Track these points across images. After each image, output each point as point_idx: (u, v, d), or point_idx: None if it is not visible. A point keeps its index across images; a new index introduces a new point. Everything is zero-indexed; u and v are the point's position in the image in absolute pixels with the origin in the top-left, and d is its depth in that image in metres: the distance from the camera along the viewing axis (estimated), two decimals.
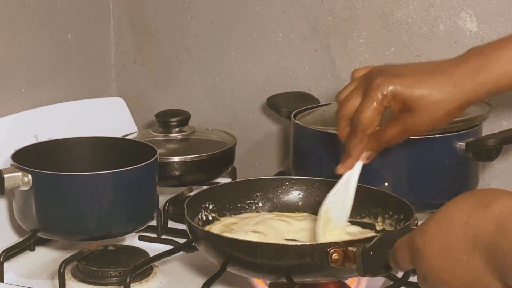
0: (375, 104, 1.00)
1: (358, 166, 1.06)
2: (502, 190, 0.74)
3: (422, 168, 1.23)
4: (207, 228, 1.12)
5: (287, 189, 1.20)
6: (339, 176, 1.18)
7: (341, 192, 1.06)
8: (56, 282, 1.08)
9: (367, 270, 0.92)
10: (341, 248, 0.94)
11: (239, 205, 1.19)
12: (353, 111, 1.03)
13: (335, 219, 1.06)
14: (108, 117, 1.47)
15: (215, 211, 1.16)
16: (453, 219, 0.74)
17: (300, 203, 1.20)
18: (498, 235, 0.70)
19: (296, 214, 1.17)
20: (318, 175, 1.21)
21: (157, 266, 1.15)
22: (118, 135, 1.38)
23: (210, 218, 1.15)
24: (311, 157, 1.28)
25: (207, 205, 1.16)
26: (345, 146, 1.05)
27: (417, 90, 0.99)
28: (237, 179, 1.43)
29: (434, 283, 0.76)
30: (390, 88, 0.99)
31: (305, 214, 1.18)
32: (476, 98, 1.00)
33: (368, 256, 0.91)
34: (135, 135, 1.43)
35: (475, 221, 0.72)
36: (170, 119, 1.40)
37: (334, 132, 1.22)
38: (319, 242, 1.01)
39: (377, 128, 1.03)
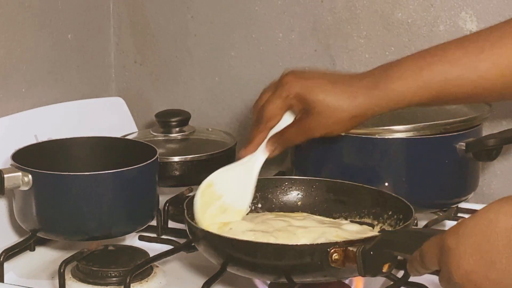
0: (279, 101, 1.09)
1: (261, 157, 1.12)
2: None
3: (422, 168, 1.23)
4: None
5: (286, 189, 1.20)
6: (338, 177, 1.19)
7: (235, 174, 1.12)
8: (56, 282, 1.08)
9: (368, 270, 0.92)
10: (342, 248, 0.94)
11: None
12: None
13: (230, 202, 1.11)
14: (108, 117, 1.47)
15: None
16: (495, 221, 0.73)
17: (299, 203, 1.20)
18: None
19: (295, 214, 1.17)
20: (318, 175, 1.21)
21: (157, 266, 1.15)
22: (118, 135, 1.38)
23: None
24: (311, 157, 1.28)
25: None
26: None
27: (316, 94, 1.07)
28: None
29: (460, 284, 0.74)
30: (294, 88, 1.08)
31: (305, 214, 1.18)
32: (369, 112, 1.06)
33: (369, 256, 0.91)
34: (135, 135, 1.43)
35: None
36: (170, 119, 1.40)
37: None
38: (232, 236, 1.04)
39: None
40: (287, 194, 1.20)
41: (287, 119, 1.11)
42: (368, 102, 1.06)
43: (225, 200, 1.12)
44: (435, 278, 1.12)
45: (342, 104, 1.06)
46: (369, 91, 1.05)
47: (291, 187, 1.20)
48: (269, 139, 1.11)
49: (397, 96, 1.04)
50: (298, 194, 1.20)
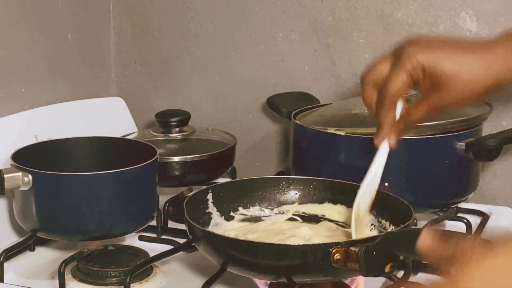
0: (403, 74, 0.98)
1: (384, 152, 1.04)
2: None
3: (422, 168, 1.23)
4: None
5: (283, 189, 1.20)
6: (338, 177, 1.19)
7: (370, 181, 1.05)
8: (56, 282, 1.08)
9: (369, 270, 0.92)
10: (343, 248, 0.94)
11: (236, 205, 1.19)
12: (381, 78, 1.01)
13: (362, 209, 1.06)
14: (108, 117, 1.47)
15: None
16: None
17: (297, 203, 1.20)
18: None
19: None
20: (318, 175, 1.21)
21: (157, 266, 1.15)
22: (118, 135, 1.38)
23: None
24: (311, 157, 1.28)
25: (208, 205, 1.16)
26: (374, 118, 1.04)
27: (448, 66, 0.97)
28: (237, 179, 1.43)
29: None
30: (421, 59, 0.97)
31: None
32: (504, 81, 0.98)
33: (370, 256, 0.91)
34: (135, 135, 1.43)
35: None
36: (170, 119, 1.40)
37: (334, 132, 1.23)
38: (354, 239, 1.01)
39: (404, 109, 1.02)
40: (285, 194, 1.20)
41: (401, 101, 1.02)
42: (503, 70, 0.97)
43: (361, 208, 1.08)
44: (435, 278, 1.12)
45: (476, 74, 0.97)
46: (505, 58, 0.97)
47: (289, 187, 1.20)
48: (395, 132, 1.02)
49: None
50: (296, 193, 1.20)
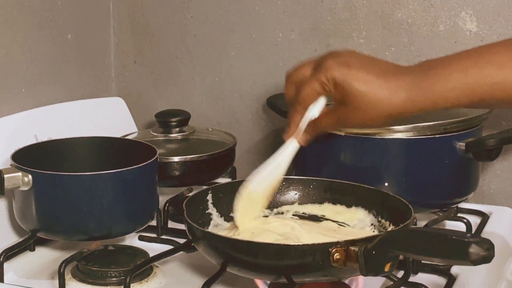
0: (317, 84, 1.04)
1: (290, 147, 1.09)
2: None
3: (422, 168, 1.23)
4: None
5: (283, 189, 1.20)
6: (338, 177, 1.19)
7: (269, 173, 1.10)
8: (56, 282, 1.08)
9: (369, 270, 0.92)
10: (343, 248, 0.94)
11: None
12: (301, 79, 1.08)
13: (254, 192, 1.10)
14: (108, 117, 1.47)
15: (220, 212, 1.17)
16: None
17: (297, 203, 1.20)
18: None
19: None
20: (318, 175, 1.21)
21: (157, 266, 1.15)
22: (118, 135, 1.38)
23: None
24: (311, 157, 1.28)
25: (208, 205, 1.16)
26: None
27: (356, 85, 1.01)
28: (237, 179, 1.43)
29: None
30: (335, 75, 1.03)
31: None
32: (408, 111, 1.01)
33: (371, 256, 0.91)
34: (135, 135, 1.43)
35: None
36: (170, 119, 1.40)
37: (334, 132, 1.23)
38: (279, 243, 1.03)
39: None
40: (285, 194, 1.20)
41: (322, 102, 1.07)
42: (409, 101, 1.00)
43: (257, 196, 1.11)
44: (435, 278, 1.12)
45: (382, 100, 1.01)
46: (411, 89, 1.00)
47: (288, 187, 1.20)
48: (303, 131, 1.09)
49: (439, 98, 0.99)
50: (296, 193, 1.20)
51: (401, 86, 1.01)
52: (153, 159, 1.19)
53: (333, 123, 1.07)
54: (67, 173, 1.15)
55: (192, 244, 1.09)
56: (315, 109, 1.07)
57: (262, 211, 1.15)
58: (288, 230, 1.09)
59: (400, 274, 1.08)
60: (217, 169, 1.37)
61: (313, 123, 1.08)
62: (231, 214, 1.18)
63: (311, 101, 1.06)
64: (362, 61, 1.05)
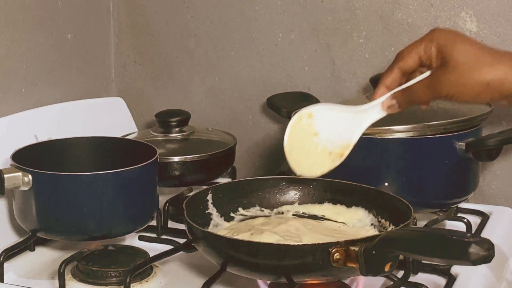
0: (419, 43, 1.02)
1: (376, 112, 1.04)
2: None
3: (422, 168, 1.23)
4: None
5: (283, 189, 1.20)
6: (338, 177, 1.19)
7: (341, 119, 1.05)
8: (56, 282, 1.08)
9: (369, 270, 0.92)
10: (343, 248, 0.94)
11: (236, 205, 1.19)
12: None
13: (325, 143, 1.04)
14: (108, 117, 1.47)
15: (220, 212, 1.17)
16: None
17: (297, 203, 1.20)
18: None
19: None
20: None
21: (157, 266, 1.15)
22: (118, 135, 1.38)
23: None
24: None
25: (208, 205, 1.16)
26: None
27: (458, 46, 0.99)
28: (237, 179, 1.43)
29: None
30: (439, 36, 1.01)
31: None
32: (505, 87, 0.99)
33: (371, 256, 0.91)
34: (135, 135, 1.43)
35: None
36: (170, 119, 1.40)
37: None
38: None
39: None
40: (285, 194, 1.20)
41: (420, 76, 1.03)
42: (509, 75, 0.98)
43: (320, 140, 1.05)
44: (435, 278, 1.12)
45: (482, 63, 0.98)
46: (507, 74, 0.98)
47: (288, 187, 1.20)
48: (391, 95, 1.04)
49: None
50: (296, 193, 1.20)
51: (506, 59, 0.99)
52: (153, 159, 1.19)
53: (426, 89, 1.02)
54: (67, 173, 1.15)
55: (192, 244, 1.09)
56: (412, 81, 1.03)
57: (331, 159, 1.06)
58: (293, 230, 1.10)
59: (400, 274, 1.08)
60: (217, 169, 1.37)
61: (402, 91, 1.03)
62: (231, 214, 1.18)
63: (408, 60, 1.03)
64: (467, 36, 1.04)
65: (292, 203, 1.20)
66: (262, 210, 1.19)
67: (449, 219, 1.27)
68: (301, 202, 1.20)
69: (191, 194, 1.24)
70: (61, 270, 1.06)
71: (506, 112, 1.39)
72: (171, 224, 1.29)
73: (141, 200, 1.18)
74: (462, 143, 1.22)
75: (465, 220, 1.25)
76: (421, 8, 1.41)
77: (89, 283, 1.10)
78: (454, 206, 1.29)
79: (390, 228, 1.11)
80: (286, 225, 1.12)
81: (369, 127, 1.15)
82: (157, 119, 1.41)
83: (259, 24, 1.52)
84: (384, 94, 1.04)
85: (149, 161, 1.17)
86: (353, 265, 0.93)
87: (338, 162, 1.06)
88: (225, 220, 1.17)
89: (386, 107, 1.04)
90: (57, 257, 1.18)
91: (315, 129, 1.04)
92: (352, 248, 0.93)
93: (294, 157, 1.04)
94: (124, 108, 1.52)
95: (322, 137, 1.04)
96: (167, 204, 1.29)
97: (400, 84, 1.04)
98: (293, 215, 1.19)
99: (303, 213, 1.19)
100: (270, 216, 1.19)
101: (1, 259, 1.12)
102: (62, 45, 1.46)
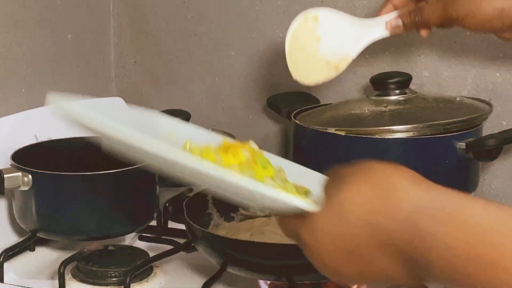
0: None
1: (381, 29, 1.03)
2: (392, 171, 0.69)
3: (422, 168, 1.21)
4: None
5: None
6: None
7: (347, 27, 1.03)
8: (56, 282, 1.08)
9: None
10: None
11: (236, 205, 1.19)
12: None
13: (325, 51, 1.02)
14: None
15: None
16: (349, 216, 0.66)
17: None
18: (413, 236, 0.62)
19: None
20: None
21: (157, 266, 1.15)
22: None
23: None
24: (311, 157, 1.28)
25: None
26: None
27: None
28: None
29: (328, 275, 0.70)
30: None
31: None
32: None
33: None
34: None
35: (381, 219, 0.64)
36: None
37: (334, 132, 1.23)
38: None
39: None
40: None
41: None
42: None
43: (321, 47, 1.03)
44: None
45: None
46: None
47: None
48: (398, 15, 1.03)
49: None
50: None
51: None
52: None
53: (437, 7, 1.00)
54: (67, 173, 1.15)
55: (192, 244, 1.09)
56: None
57: (327, 71, 1.05)
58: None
59: None
60: None
61: (414, 10, 1.02)
62: (231, 214, 1.18)
63: None
64: None
65: None
66: (263, 210, 1.19)
67: None
68: None
69: (191, 194, 1.24)
70: (61, 270, 1.07)
71: (506, 112, 1.39)
72: (171, 224, 1.29)
73: (141, 200, 1.18)
74: (462, 143, 1.22)
75: None
76: None
77: (89, 283, 1.10)
78: None
79: None
80: None
81: (368, 127, 1.14)
82: None
83: (259, 24, 1.52)
84: (390, 12, 1.03)
85: None
86: None
87: (333, 74, 1.04)
88: (225, 220, 1.17)
89: (390, 26, 1.03)
90: (57, 257, 1.18)
91: (318, 34, 1.02)
92: None
93: (293, 59, 1.03)
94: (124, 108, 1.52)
95: (323, 43, 1.03)
96: (167, 204, 1.29)
97: (406, 6, 1.02)
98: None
99: None
100: (270, 216, 1.19)
101: (1, 259, 1.12)
102: (62, 45, 1.46)
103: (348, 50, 1.03)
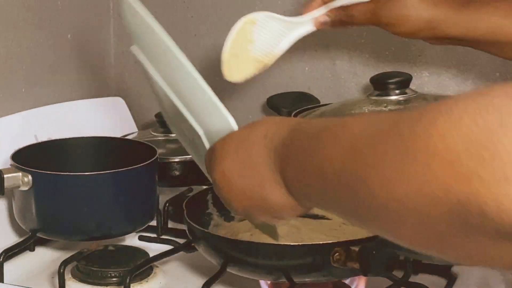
0: None
1: (307, 25, 1.06)
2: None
3: None
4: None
5: None
6: None
7: (276, 26, 1.07)
8: (56, 282, 1.08)
9: (369, 270, 0.92)
10: (343, 248, 0.94)
11: None
12: None
13: (255, 51, 1.06)
14: (108, 117, 1.47)
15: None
16: (257, 128, 0.77)
17: None
18: (288, 138, 0.70)
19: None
20: None
21: (157, 266, 1.15)
22: (118, 135, 1.38)
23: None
24: None
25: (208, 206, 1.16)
26: None
27: None
28: None
29: (217, 181, 0.78)
30: None
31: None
32: (443, 26, 0.99)
33: (370, 256, 0.91)
34: (135, 135, 1.43)
35: (272, 131, 0.73)
36: None
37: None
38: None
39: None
40: None
41: None
42: (451, 17, 0.99)
43: (253, 48, 1.07)
44: (435, 278, 1.12)
45: (421, 7, 0.99)
46: (457, 10, 0.99)
47: None
48: (327, 11, 1.04)
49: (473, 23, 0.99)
50: None
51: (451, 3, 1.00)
52: (153, 159, 1.18)
53: (366, 11, 1.02)
54: (67, 173, 1.15)
55: (192, 244, 1.09)
56: None
57: (256, 67, 1.09)
58: (293, 230, 1.10)
59: (400, 274, 1.07)
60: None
61: (340, 9, 1.03)
62: (231, 214, 1.18)
63: None
64: None
65: None
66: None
67: None
68: None
69: (191, 194, 1.24)
70: (61, 270, 1.06)
71: None
72: (171, 224, 1.29)
73: (141, 200, 1.18)
74: None
75: None
76: None
77: (89, 283, 1.10)
78: None
79: None
80: (287, 225, 1.12)
81: None
82: (157, 119, 1.41)
83: None
84: (319, 7, 1.04)
85: (149, 161, 1.17)
86: (354, 265, 0.93)
87: (261, 69, 1.09)
88: (225, 220, 1.17)
89: (319, 23, 1.05)
90: (57, 257, 1.18)
91: (252, 37, 1.06)
92: (352, 248, 0.93)
93: (226, 60, 1.08)
94: (124, 108, 1.52)
95: (255, 44, 1.06)
96: (167, 204, 1.29)
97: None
98: None
99: None
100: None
101: (1, 259, 1.12)
102: (62, 45, 1.46)
103: (275, 47, 1.07)
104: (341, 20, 1.04)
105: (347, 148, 0.60)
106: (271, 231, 0.86)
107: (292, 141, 0.69)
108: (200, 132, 0.89)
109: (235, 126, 0.86)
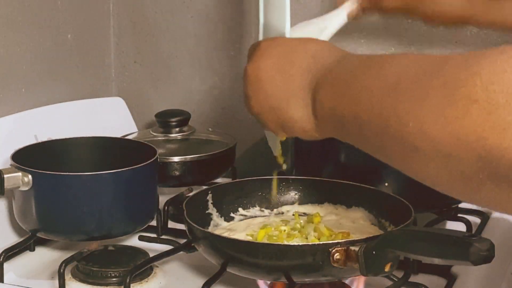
0: None
1: (341, 17, 1.07)
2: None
3: None
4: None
5: (283, 189, 1.20)
6: (338, 177, 1.19)
7: (311, 27, 1.07)
8: (56, 282, 1.08)
9: (369, 270, 0.92)
10: (343, 248, 0.94)
11: (236, 205, 1.19)
12: None
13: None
14: (108, 117, 1.47)
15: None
16: (305, 45, 0.78)
17: (297, 203, 1.20)
18: (334, 63, 0.72)
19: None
20: (318, 175, 1.21)
21: (157, 266, 1.15)
22: (118, 135, 1.38)
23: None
24: (311, 157, 1.28)
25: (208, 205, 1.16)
26: None
27: None
28: (237, 179, 1.43)
29: (250, 81, 0.82)
30: None
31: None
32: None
33: (371, 256, 0.91)
34: (135, 135, 1.43)
35: (322, 55, 0.75)
36: (170, 119, 1.40)
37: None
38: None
39: None
40: (285, 194, 1.20)
41: None
42: (484, 6, 1.00)
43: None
44: (435, 278, 1.12)
45: None
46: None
47: (288, 187, 1.20)
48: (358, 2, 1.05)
49: None
50: (296, 194, 1.20)
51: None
52: (153, 159, 1.19)
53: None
54: (67, 173, 1.15)
55: (192, 244, 1.09)
56: None
57: None
58: (295, 232, 1.10)
59: (400, 274, 1.08)
60: (217, 169, 1.37)
61: None
62: (231, 214, 1.18)
63: None
64: None
65: (292, 203, 1.20)
66: (262, 210, 1.20)
67: (449, 219, 1.27)
68: (301, 202, 1.20)
69: (191, 194, 1.24)
70: (61, 270, 1.06)
71: None
72: (171, 224, 1.29)
73: (141, 200, 1.18)
74: None
75: (465, 220, 1.25)
76: None
77: (89, 283, 1.10)
78: (454, 206, 1.28)
79: (390, 228, 1.11)
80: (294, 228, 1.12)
81: None
82: (157, 119, 1.41)
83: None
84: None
85: (149, 161, 1.17)
86: (353, 265, 0.93)
87: None
88: (225, 220, 1.17)
89: (351, 13, 1.06)
90: (57, 257, 1.18)
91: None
92: (352, 248, 0.93)
93: None
94: (124, 108, 1.52)
95: None
96: (167, 204, 1.29)
97: None
98: (293, 215, 1.19)
99: (303, 213, 1.19)
100: (270, 216, 1.19)
101: (1, 259, 1.12)
102: (62, 45, 1.46)
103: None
104: (376, 7, 1.05)
105: (389, 82, 0.62)
106: (273, 144, 0.87)
107: (337, 66, 0.71)
108: (261, 21, 0.93)
109: (287, 32, 0.87)
